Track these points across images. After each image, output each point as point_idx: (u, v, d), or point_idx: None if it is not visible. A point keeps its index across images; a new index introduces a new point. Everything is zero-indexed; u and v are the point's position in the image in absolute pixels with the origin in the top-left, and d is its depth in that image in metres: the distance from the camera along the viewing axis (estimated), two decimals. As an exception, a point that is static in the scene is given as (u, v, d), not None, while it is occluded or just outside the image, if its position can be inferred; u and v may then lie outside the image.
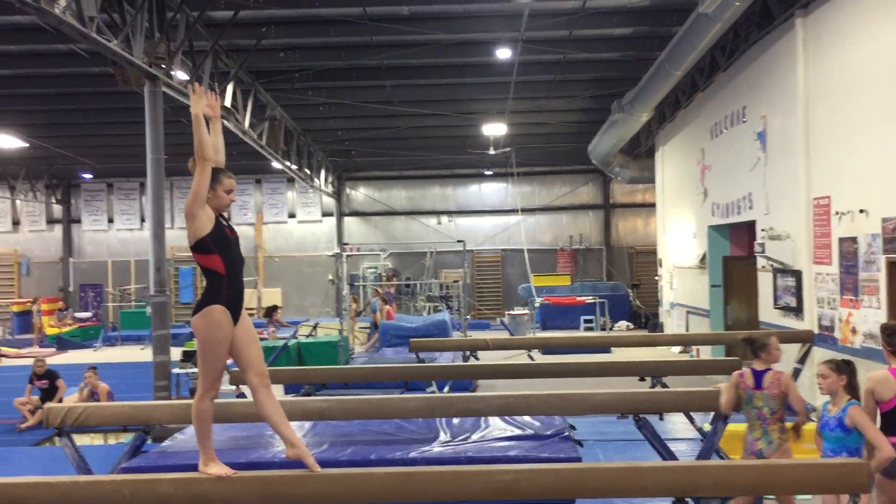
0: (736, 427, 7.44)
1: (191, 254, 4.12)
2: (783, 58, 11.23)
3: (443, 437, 5.29)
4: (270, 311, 18.34)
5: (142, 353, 18.45)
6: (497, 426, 5.55)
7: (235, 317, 4.08)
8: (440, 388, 10.02)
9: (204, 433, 4.07)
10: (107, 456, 7.21)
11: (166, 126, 10.67)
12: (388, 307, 17.75)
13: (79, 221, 27.18)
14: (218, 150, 4.18)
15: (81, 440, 8.68)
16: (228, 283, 4.07)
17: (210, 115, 4.14)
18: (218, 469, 3.99)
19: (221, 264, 4.07)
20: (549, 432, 5.30)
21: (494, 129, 19.35)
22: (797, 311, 10.91)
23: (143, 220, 26.51)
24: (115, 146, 21.79)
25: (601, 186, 26.68)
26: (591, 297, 21.36)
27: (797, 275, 10.91)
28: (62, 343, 21.21)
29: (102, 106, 17.06)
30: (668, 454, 5.36)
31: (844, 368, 4.82)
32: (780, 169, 11.51)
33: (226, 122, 13.54)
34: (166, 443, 5.60)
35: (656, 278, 20.69)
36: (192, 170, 4.01)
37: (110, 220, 27.08)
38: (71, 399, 11.23)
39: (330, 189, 25.36)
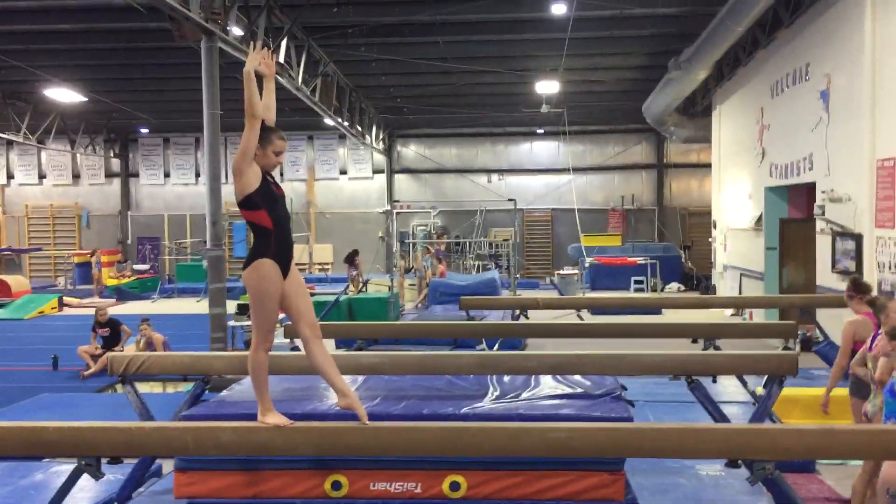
0: (790, 391, 7.37)
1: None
2: (850, 14, 10.83)
3: (494, 393, 5.32)
4: (352, 256, 18.38)
5: (197, 306, 18.89)
6: (548, 384, 5.56)
7: (285, 270, 4.14)
8: (490, 347, 10.08)
9: (260, 384, 4.17)
10: (166, 404, 7.44)
11: (222, 81, 10.76)
12: (441, 266, 17.77)
13: (136, 175, 27.75)
14: (269, 107, 4.19)
15: (142, 388, 8.95)
16: (276, 237, 4.10)
17: (264, 72, 4.14)
18: (276, 419, 4.10)
19: (269, 219, 4.09)
20: (600, 392, 5.29)
21: (547, 87, 19.09)
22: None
23: (198, 175, 26.97)
24: (172, 101, 22.09)
25: (655, 146, 26.24)
26: (642, 258, 21.14)
27: (857, 238, 10.65)
28: (121, 294, 21.81)
29: (159, 61, 17.26)
30: (720, 416, 5.33)
31: None
32: (844, 129, 11.17)
33: (279, 78, 13.60)
34: (224, 392, 5.73)
35: (710, 240, 20.37)
36: None
37: (167, 175, 27.59)
38: (128, 350, 11.59)
39: (381, 146, 25.41)
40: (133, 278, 23.96)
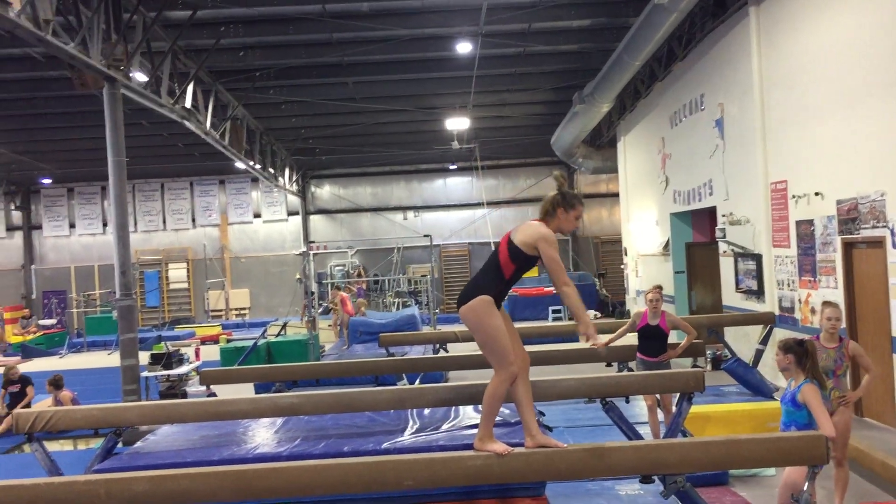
0: (703, 408, 7.62)
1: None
2: (738, 46, 11.45)
3: (414, 427, 5.35)
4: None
5: (109, 359, 18.25)
6: (468, 415, 5.62)
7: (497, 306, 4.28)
8: (411, 382, 10.09)
9: (492, 412, 4.21)
10: (78, 461, 7.17)
11: (126, 128, 10.59)
12: (348, 306, 17.26)
13: (39, 227, 26.83)
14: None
15: (51, 446, 8.60)
16: (503, 286, 4.28)
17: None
18: (496, 446, 4.10)
19: (511, 274, 4.25)
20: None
21: (458, 124, 19.43)
22: (758, 293, 11.15)
23: (105, 225, 26.25)
24: (75, 150, 21.53)
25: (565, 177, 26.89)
26: (558, 288, 21.48)
27: (757, 258, 11.15)
28: (27, 351, 20.90)
29: (61, 110, 16.86)
30: (634, 435, 5.46)
31: (793, 348, 5.00)
32: (738, 155, 11.73)
33: (187, 122, 13.47)
34: (138, 444, 5.59)
35: (622, 266, 20.93)
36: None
37: (72, 226, 26.75)
38: (40, 406, 11.10)
39: (295, 188, 25.29)
40: (39, 334, 23.01)
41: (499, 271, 4.26)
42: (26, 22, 7.97)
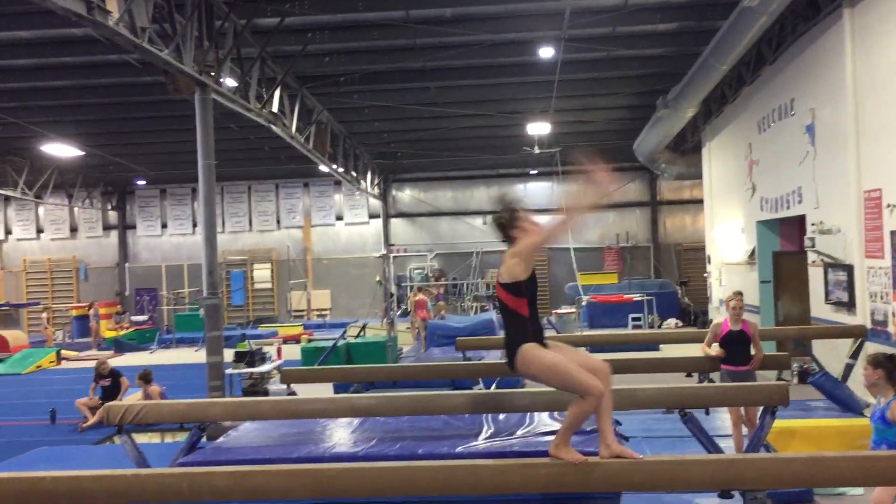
0: (788, 423, 7.40)
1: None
2: (831, 50, 11.07)
3: (489, 432, 5.36)
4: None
5: (196, 355, 18.85)
6: (543, 422, 5.60)
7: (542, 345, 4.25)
8: (487, 386, 10.09)
9: (573, 426, 4.16)
10: (164, 454, 7.42)
11: (216, 132, 10.93)
12: (431, 305, 17.46)
13: (133, 227, 27.92)
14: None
15: (139, 439, 8.95)
16: (532, 324, 4.24)
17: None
18: (571, 455, 4.10)
19: (527, 309, 4.22)
20: (594, 427, 5.32)
21: (539, 129, 19.35)
22: (849, 305, 10.74)
23: (195, 225, 27.14)
24: (168, 153, 22.33)
25: (648, 183, 26.48)
26: (638, 295, 21.18)
27: (848, 269, 10.74)
28: (119, 346, 21.79)
29: (155, 114, 17.51)
30: (714, 449, 5.34)
31: (883, 363, 4.81)
32: (830, 162, 11.33)
33: (273, 126, 13.81)
34: (220, 439, 5.77)
35: (705, 275, 20.46)
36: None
37: (164, 226, 27.76)
38: (131, 398, 11.56)
39: (376, 191, 25.63)
40: (131, 330, 23.96)
41: (516, 315, 4.21)
42: (124, 30, 8.33)
